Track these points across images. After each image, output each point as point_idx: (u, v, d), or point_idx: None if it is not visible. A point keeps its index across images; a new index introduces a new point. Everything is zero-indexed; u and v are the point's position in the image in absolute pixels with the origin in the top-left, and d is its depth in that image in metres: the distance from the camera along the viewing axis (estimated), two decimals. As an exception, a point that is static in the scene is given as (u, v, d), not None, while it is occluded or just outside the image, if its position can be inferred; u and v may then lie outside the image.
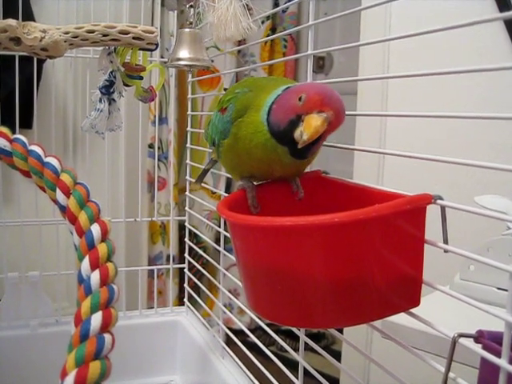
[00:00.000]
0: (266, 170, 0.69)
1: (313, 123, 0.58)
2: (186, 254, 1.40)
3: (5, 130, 0.63)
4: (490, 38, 1.49)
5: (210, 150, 0.84)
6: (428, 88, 1.62)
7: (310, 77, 0.78)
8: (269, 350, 0.93)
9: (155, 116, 2.44)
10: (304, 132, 0.58)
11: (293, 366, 0.81)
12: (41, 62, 2.00)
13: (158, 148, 2.73)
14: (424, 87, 1.63)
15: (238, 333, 1.10)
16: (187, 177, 1.36)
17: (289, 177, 0.70)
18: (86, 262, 0.55)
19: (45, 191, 0.62)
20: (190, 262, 1.40)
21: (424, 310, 0.55)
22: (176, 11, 1.31)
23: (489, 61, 1.49)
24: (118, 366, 0.51)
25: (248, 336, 1.01)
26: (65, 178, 0.61)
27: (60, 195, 0.60)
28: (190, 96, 1.39)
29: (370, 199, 0.60)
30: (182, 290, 1.83)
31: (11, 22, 0.80)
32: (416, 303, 0.55)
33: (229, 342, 1.14)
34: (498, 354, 0.45)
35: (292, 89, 0.64)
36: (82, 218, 0.58)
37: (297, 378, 0.80)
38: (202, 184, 1.04)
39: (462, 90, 1.54)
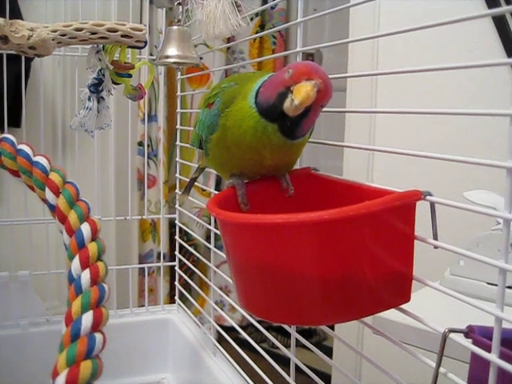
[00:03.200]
0: (257, 160, 0.68)
1: (302, 89, 0.57)
2: (177, 252, 1.40)
3: (-7, 129, 0.63)
4: (479, 34, 1.50)
5: (200, 150, 0.84)
6: (417, 85, 1.62)
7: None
8: (260, 346, 0.93)
9: (144, 114, 2.44)
10: (295, 98, 0.57)
11: (284, 362, 0.81)
12: (29, 61, 1.99)
13: (148, 146, 2.73)
14: (413, 84, 1.64)
15: (230, 330, 1.10)
16: (177, 174, 1.35)
17: (279, 171, 0.70)
18: (76, 262, 0.55)
19: (34, 190, 0.62)
20: (180, 260, 1.40)
21: (415, 306, 0.55)
22: (164, 9, 1.30)
23: (478, 57, 1.49)
24: (109, 365, 0.51)
25: (239, 333, 1.01)
26: (54, 177, 0.61)
27: (49, 194, 0.60)
28: (179, 93, 1.38)
29: (359, 196, 0.60)
30: (172, 287, 1.83)
31: (-2, 20, 0.80)
32: (407, 299, 0.55)
33: (220, 339, 1.15)
34: (488, 349, 0.45)
35: (280, 71, 0.64)
36: (72, 217, 0.58)
37: (288, 375, 0.80)
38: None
39: (451, 87, 1.55)
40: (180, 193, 1.06)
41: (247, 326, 2.20)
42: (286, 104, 0.59)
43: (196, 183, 1.06)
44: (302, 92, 0.57)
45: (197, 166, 0.99)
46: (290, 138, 0.63)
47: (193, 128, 0.87)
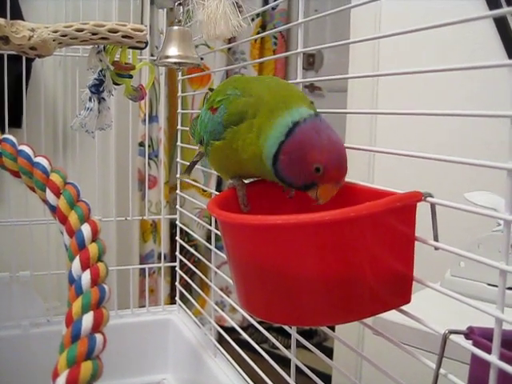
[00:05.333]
0: (257, 177, 0.70)
1: (329, 193, 0.60)
2: (178, 253, 1.40)
3: (-6, 129, 0.63)
4: (480, 35, 1.50)
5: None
6: (419, 85, 1.62)
7: (299, 74, 0.78)
8: (261, 347, 0.93)
9: (145, 114, 2.44)
10: (319, 198, 0.60)
11: (285, 363, 0.81)
12: (30, 61, 1.98)
13: (149, 146, 2.72)
14: (414, 85, 1.64)
15: (230, 331, 1.10)
16: (178, 175, 1.35)
17: None
18: (76, 262, 0.54)
19: (35, 191, 0.62)
20: (181, 261, 1.40)
21: (415, 307, 0.55)
22: (165, 9, 1.30)
23: (479, 58, 1.49)
24: (110, 366, 0.51)
25: (240, 334, 1.01)
26: (55, 177, 0.61)
27: (50, 195, 0.60)
28: (180, 94, 1.38)
29: (360, 197, 0.60)
30: (173, 288, 1.83)
31: (-1, 20, 0.80)
32: (407, 300, 0.55)
33: (221, 340, 1.14)
34: (489, 351, 0.45)
35: (302, 138, 0.60)
36: (73, 217, 0.58)
37: (289, 376, 0.80)
38: (194, 183, 1.03)
39: (452, 88, 1.54)
40: (181, 174, 1.06)
41: (248, 327, 2.19)
42: (312, 194, 0.61)
43: (197, 184, 1.06)
44: (328, 196, 0.60)
45: (199, 166, 0.99)
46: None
47: (193, 120, 0.87)
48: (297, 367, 0.79)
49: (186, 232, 1.41)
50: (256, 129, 0.63)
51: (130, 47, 0.93)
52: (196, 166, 0.99)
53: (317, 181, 0.59)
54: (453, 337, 0.50)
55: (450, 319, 0.73)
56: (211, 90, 0.93)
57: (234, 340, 1.05)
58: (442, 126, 1.57)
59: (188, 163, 0.96)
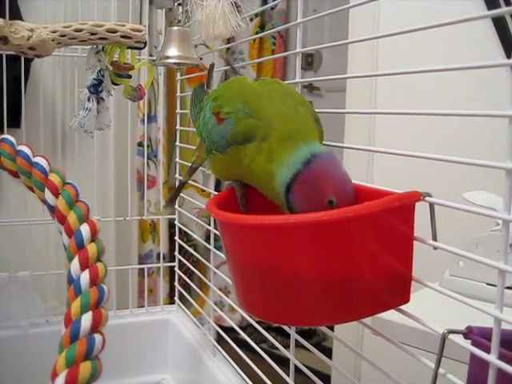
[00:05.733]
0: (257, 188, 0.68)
1: None
2: (177, 253, 1.40)
3: (-8, 130, 0.63)
4: (478, 35, 1.50)
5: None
6: (417, 85, 1.62)
7: (298, 74, 0.78)
8: (260, 347, 0.93)
9: (144, 114, 2.44)
10: None
11: (284, 363, 0.81)
12: (28, 61, 1.99)
13: (148, 146, 2.72)
14: (413, 85, 1.64)
15: (229, 331, 1.10)
16: (177, 175, 1.35)
17: None
18: (75, 263, 0.55)
19: (33, 191, 0.62)
20: (180, 261, 1.40)
21: (414, 307, 0.55)
22: (164, 9, 1.30)
23: (478, 58, 1.49)
24: (109, 366, 0.51)
25: (239, 334, 1.02)
26: (53, 177, 0.61)
27: (49, 195, 0.60)
28: (178, 94, 1.38)
29: (359, 197, 0.60)
30: (172, 288, 1.83)
31: (-2, 21, 0.80)
32: (406, 300, 0.55)
33: (220, 339, 1.15)
34: (488, 350, 0.45)
35: (316, 173, 0.59)
36: (71, 218, 0.58)
37: (288, 375, 0.80)
38: (193, 183, 1.03)
39: (451, 88, 1.55)
40: (163, 205, 1.05)
41: (247, 327, 2.19)
42: None
43: (195, 184, 1.06)
44: None
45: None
46: None
47: (192, 104, 0.87)
48: (296, 367, 0.79)
49: (185, 232, 1.41)
50: (266, 152, 0.62)
51: (128, 47, 0.93)
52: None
53: None
54: (452, 336, 0.50)
55: (449, 319, 0.73)
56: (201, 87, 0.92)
57: (232, 340, 1.05)
58: (440, 126, 1.57)
59: (187, 163, 0.96)
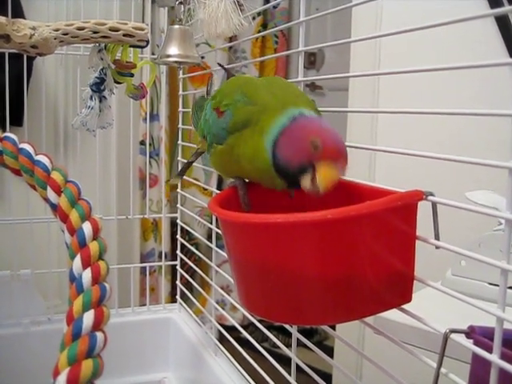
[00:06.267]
0: (256, 181, 0.68)
1: (328, 176, 0.55)
2: (178, 251, 1.40)
3: (-5, 128, 0.63)
4: (481, 34, 1.50)
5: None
6: (419, 84, 1.62)
7: (301, 73, 0.78)
8: (261, 346, 0.93)
9: (146, 113, 2.43)
10: (319, 183, 0.55)
11: (285, 362, 0.81)
12: (31, 60, 1.98)
13: (150, 145, 2.73)
14: (415, 83, 1.63)
15: (231, 329, 1.10)
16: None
17: None
18: (77, 261, 0.55)
19: (36, 189, 0.62)
20: (182, 259, 1.40)
21: (416, 306, 0.55)
22: (167, 8, 1.30)
23: (481, 57, 1.49)
24: (110, 364, 0.51)
25: (241, 332, 1.02)
26: (56, 176, 0.61)
27: (51, 193, 0.60)
28: (181, 93, 1.38)
29: (361, 196, 0.60)
30: (174, 287, 1.83)
31: (0, 19, 0.80)
32: (408, 299, 0.55)
33: (221, 338, 1.15)
34: (490, 350, 0.45)
35: (301, 124, 0.60)
36: (74, 216, 0.58)
37: (289, 374, 0.80)
38: (195, 181, 1.03)
39: (453, 86, 1.54)
40: (172, 178, 1.06)
41: (248, 326, 2.20)
42: (306, 181, 0.57)
43: (197, 182, 1.06)
44: (328, 179, 0.55)
45: (200, 165, 0.98)
46: (296, 189, 0.62)
47: (194, 106, 0.88)
48: (297, 366, 0.79)
49: (187, 230, 1.41)
50: (258, 132, 0.63)
51: (131, 46, 0.93)
52: (197, 165, 0.99)
53: (314, 160, 0.56)
54: (454, 336, 0.49)
55: (451, 318, 0.73)
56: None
57: (234, 339, 1.05)
58: (443, 125, 1.57)
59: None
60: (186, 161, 1.33)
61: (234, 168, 0.69)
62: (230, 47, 2.83)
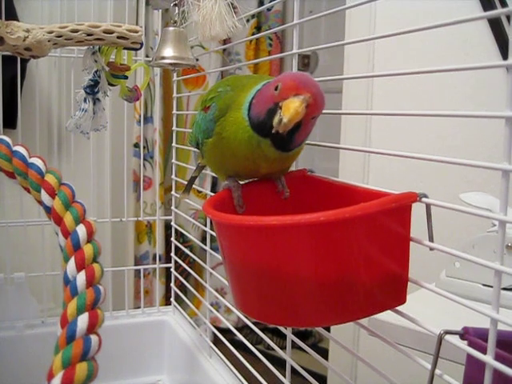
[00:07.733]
0: (252, 168, 0.68)
1: (291, 106, 0.57)
2: (173, 254, 1.40)
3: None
4: (474, 36, 1.50)
5: (196, 150, 0.84)
6: (413, 87, 1.63)
7: (295, 75, 0.78)
8: (256, 348, 0.93)
9: (140, 115, 2.43)
10: (283, 116, 0.57)
11: (280, 364, 0.81)
12: (24, 62, 1.98)
13: (144, 147, 2.72)
14: (409, 86, 1.64)
15: (225, 332, 1.10)
16: (173, 176, 1.35)
17: (275, 174, 0.70)
18: (71, 263, 0.54)
19: (29, 192, 0.62)
20: (176, 262, 1.40)
21: (410, 308, 0.55)
22: (161, 10, 1.30)
23: (474, 59, 1.50)
24: (105, 367, 0.51)
25: (235, 335, 1.01)
26: (49, 178, 0.61)
27: (45, 196, 0.60)
28: (175, 95, 1.38)
29: (355, 198, 0.60)
30: (168, 289, 1.83)
31: (-6, 21, 0.80)
32: (402, 301, 0.55)
33: (216, 341, 1.14)
34: (484, 351, 0.45)
35: (270, 82, 0.64)
36: (68, 218, 0.58)
37: (284, 377, 0.80)
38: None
39: (447, 89, 1.55)
40: (179, 193, 1.06)
41: (243, 328, 2.19)
42: (275, 121, 0.58)
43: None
44: (291, 109, 0.56)
45: (194, 167, 0.99)
46: (284, 150, 0.64)
47: (190, 127, 0.88)
48: (292, 368, 0.79)
49: (181, 233, 1.41)
50: (236, 108, 0.66)
51: (125, 48, 0.93)
52: (191, 167, 0.99)
53: (277, 100, 0.59)
54: (448, 337, 0.50)
55: (445, 320, 0.73)
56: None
57: (229, 341, 1.05)
58: (437, 127, 1.57)
59: (183, 164, 0.96)
60: (179, 163, 1.33)
61: (225, 160, 0.70)
62: (224, 49, 2.83)
